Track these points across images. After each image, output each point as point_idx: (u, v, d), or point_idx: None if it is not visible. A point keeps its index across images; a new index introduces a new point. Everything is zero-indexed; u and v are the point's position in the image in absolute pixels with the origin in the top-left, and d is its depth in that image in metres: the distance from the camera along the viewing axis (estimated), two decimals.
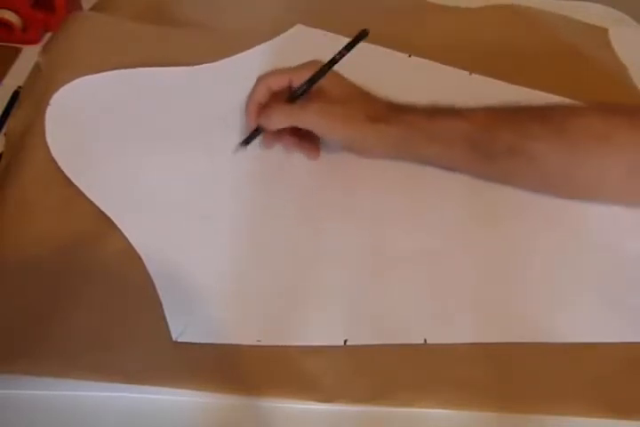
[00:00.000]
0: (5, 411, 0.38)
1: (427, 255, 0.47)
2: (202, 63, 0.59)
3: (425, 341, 0.42)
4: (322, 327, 0.42)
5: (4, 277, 0.43)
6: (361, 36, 0.49)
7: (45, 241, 0.45)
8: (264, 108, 0.51)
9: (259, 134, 0.52)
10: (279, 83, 0.51)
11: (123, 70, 0.57)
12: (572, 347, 0.43)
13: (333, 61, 0.50)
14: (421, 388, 0.40)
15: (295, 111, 0.50)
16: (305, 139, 0.53)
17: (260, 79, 0.51)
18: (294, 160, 0.53)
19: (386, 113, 0.50)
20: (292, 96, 0.50)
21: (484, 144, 0.49)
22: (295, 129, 0.51)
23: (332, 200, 0.50)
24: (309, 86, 0.50)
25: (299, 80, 0.50)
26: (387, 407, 0.39)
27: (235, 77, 0.58)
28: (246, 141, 0.52)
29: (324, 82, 0.50)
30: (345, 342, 0.42)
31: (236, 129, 0.54)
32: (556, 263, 0.48)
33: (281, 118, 0.50)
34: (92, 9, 0.67)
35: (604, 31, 0.71)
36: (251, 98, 0.52)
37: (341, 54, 0.49)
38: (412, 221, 0.49)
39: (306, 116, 0.50)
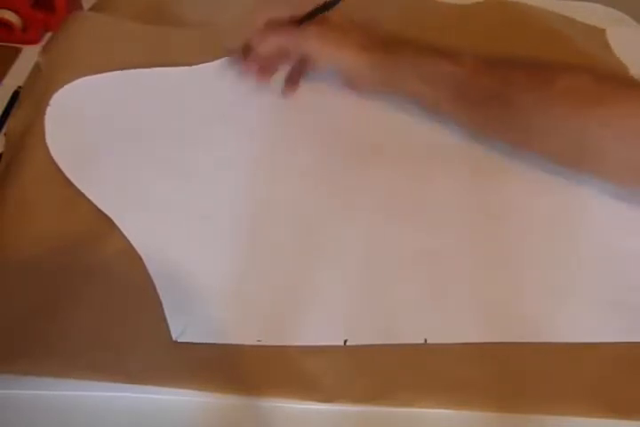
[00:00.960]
0: (5, 411, 0.38)
1: (427, 255, 0.47)
2: (202, 63, 0.59)
3: (425, 341, 0.42)
4: (322, 327, 0.42)
5: (4, 277, 0.43)
6: None
7: (45, 241, 0.45)
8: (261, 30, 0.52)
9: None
10: (279, 15, 0.52)
11: (123, 71, 0.57)
12: (572, 347, 0.43)
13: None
14: (421, 388, 0.40)
15: (292, 32, 0.51)
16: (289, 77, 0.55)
17: (260, 10, 0.53)
18: (294, 160, 0.53)
19: (380, 44, 0.51)
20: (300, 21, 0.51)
21: (468, 89, 0.49)
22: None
23: (332, 200, 0.50)
24: (311, 17, 0.51)
25: (303, 10, 0.51)
26: (387, 407, 0.39)
27: (235, 76, 0.58)
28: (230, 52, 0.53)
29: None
30: (345, 342, 0.42)
31: (236, 129, 0.54)
32: (556, 263, 0.48)
33: (278, 37, 0.51)
34: (91, 9, 0.66)
35: (602, 31, 0.71)
36: (255, 28, 0.52)
37: None
38: (413, 222, 0.49)
39: (303, 38, 0.51)
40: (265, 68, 0.54)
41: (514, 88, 0.48)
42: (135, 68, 0.58)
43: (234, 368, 0.40)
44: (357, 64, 0.51)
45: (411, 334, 0.42)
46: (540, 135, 0.48)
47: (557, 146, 0.48)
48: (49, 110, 0.53)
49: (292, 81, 0.55)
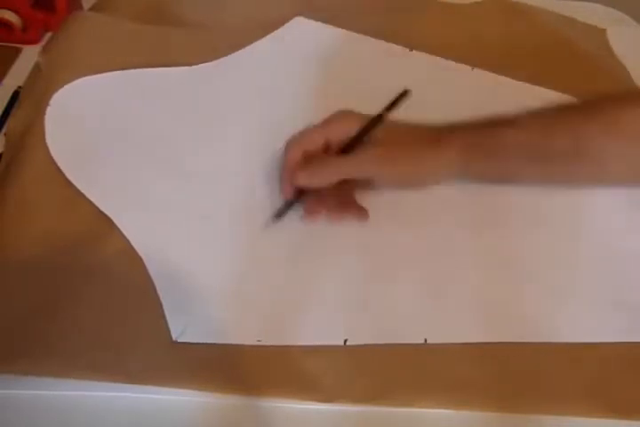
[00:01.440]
0: (5, 411, 0.38)
1: (427, 255, 0.47)
2: (202, 63, 0.59)
3: (425, 341, 0.42)
4: (322, 327, 0.42)
5: (4, 277, 0.43)
6: (403, 96, 0.49)
7: (45, 241, 0.45)
8: (302, 167, 0.47)
9: (292, 205, 0.47)
10: (315, 142, 0.47)
11: (123, 71, 0.57)
12: (572, 347, 0.43)
13: (379, 119, 0.48)
14: (421, 388, 0.40)
15: (348, 161, 0.47)
16: (345, 203, 0.49)
17: (292, 143, 0.48)
18: None
19: (438, 136, 0.49)
20: (344, 150, 0.47)
21: (542, 151, 0.48)
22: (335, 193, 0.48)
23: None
24: (358, 139, 0.47)
25: (336, 136, 0.47)
26: (387, 407, 0.40)
27: (235, 76, 0.58)
28: (280, 214, 0.47)
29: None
30: (345, 341, 0.42)
31: (236, 129, 0.54)
32: (556, 263, 0.48)
33: (332, 170, 0.46)
34: (91, 9, 0.66)
35: (602, 31, 0.71)
36: (286, 165, 0.47)
37: (385, 111, 0.48)
38: (413, 221, 0.49)
39: (363, 163, 0.47)
40: (329, 201, 0.48)
41: (585, 138, 0.47)
42: (135, 68, 0.58)
43: (234, 368, 0.40)
44: (425, 163, 0.48)
45: (411, 334, 0.42)
46: (624, 173, 0.49)
47: (630, 171, 0.49)
48: (49, 110, 0.53)
49: (353, 204, 0.50)
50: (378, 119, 0.48)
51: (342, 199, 0.49)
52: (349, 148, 0.47)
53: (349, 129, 0.48)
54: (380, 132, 0.48)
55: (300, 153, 0.47)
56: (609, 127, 0.47)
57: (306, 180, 0.46)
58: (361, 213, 0.48)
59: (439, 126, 0.49)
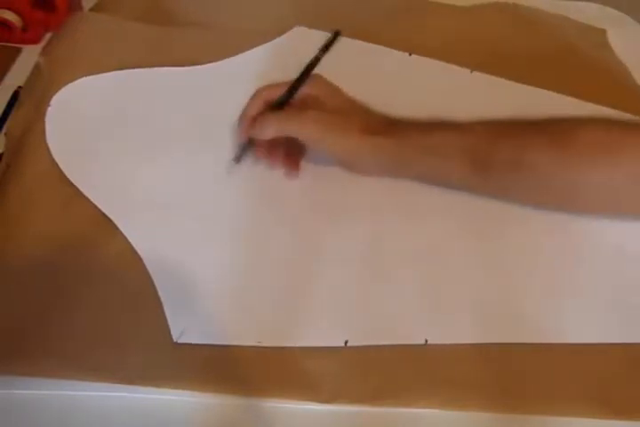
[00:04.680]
0: (5, 411, 0.38)
1: (427, 255, 0.47)
2: (202, 63, 0.59)
3: (426, 341, 0.42)
4: (322, 328, 0.42)
5: (5, 277, 0.43)
6: (335, 37, 0.50)
7: (46, 241, 0.45)
8: (256, 118, 0.50)
9: (249, 149, 0.50)
10: (274, 94, 0.50)
11: (123, 71, 0.57)
12: (572, 347, 0.43)
13: (311, 65, 0.50)
14: (422, 388, 0.40)
15: (290, 118, 0.49)
16: (289, 156, 0.52)
17: (257, 92, 0.50)
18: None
19: (382, 127, 0.49)
20: (276, 103, 0.49)
21: (482, 157, 0.47)
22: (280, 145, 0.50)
23: (331, 200, 0.50)
24: (291, 93, 0.49)
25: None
26: (387, 408, 0.39)
27: (235, 78, 0.58)
28: (238, 158, 0.50)
29: (320, 92, 0.50)
30: (345, 342, 0.42)
31: (236, 129, 0.54)
32: (557, 264, 0.48)
33: (274, 126, 0.48)
34: (92, 9, 0.66)
35: (602, 32, 0.71)
36: (244, 111, 0.50)
37: (317, 58, 0.50)
38: (413, 221, 0.49)
39: (300, 124, 0.48)
40: (275, 151, 0.51)
41: (531, 151, 0.46)
42: (136, 68, 0.58)
43: (234, 369, 0.40)
44: (360, 149, 0.49)
45: (411, 335, 0.43)
46: (564, 193, 0.47)
47: (580, 200, 0.48)
48: (49, 110, 0.53)
49: (293, 163, 0.52)
50: (311, 66, 0.50)
51: (289, 152, 0.51)
52: (280, 101, 0.49)
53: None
54: (330, 99, 0.50)
55: (261, 102, 0.50)
56: (558, 144, 0.46)
57: (255, 132, 0.49)
58: (291, 171, 0.51)
59: (394, 118, 0.50)
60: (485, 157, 0.47)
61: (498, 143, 0.47)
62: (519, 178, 0.47)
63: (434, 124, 0.49)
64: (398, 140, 0.48)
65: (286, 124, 0.49)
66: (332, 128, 0.48)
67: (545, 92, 0.61)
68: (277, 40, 0.64)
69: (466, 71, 0.63)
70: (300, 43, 0.63)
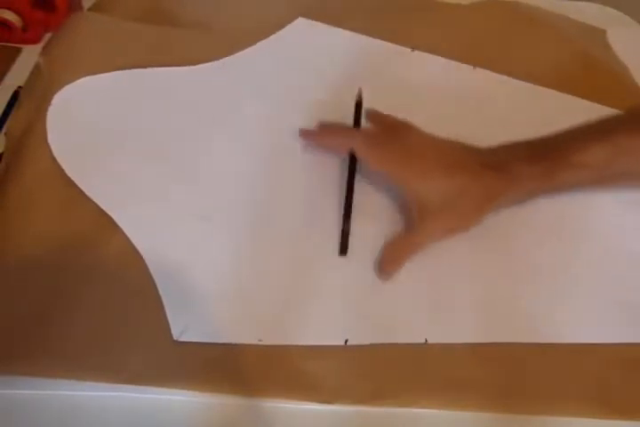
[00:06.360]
0: (5, 411, 0.38)
1: (427, 255, 0.47)
2: (202, 63, 0.59)
3: (426, 341, 0.42)
4: (323, 327, 0.42)
5: (5, 277, 0.43)
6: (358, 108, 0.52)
7: (46, 241, 0.45)
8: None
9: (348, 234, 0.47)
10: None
11: (123, 71, 0.57)
12: (572, 347, 0.43)
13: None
14: (422, 388, 0.40)
15: (347, 134, 0.50)
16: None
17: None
18: (295, 159, 0.53)
19: (499, 162, 0.46)
20: None
21: (605, 180, 0.48)
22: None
23: (331, 200, 0.50)
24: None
25: None
26: (387, 408, 0.40)
27: (236, 76, 0.58)
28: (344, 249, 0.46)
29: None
30: (346, 341, 0.42)
31: (236, 129, 0.54)
32: (557, 264, 0.48)
33: (331, 138, 0.51)
34: (91, 9, 0.66)
35: (602, 32, 0.71)
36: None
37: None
38: None
39: (353, 142, 0.49)
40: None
41: None
42: (135, 68, 0.58)
43: (234, 368, 0.40)
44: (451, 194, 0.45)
45: (411, 334, 0.43)
46: None
47: None
48: (50, 110, 0.53)
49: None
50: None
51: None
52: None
53: None
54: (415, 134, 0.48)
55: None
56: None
57: (319, 137, 0.51)
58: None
59: (480, 148, 0.48)
60: (607, 179, 0.49)
61: (616, 165, 0.47)
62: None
63: (538, 148, 0.47)
64: (526, 180, 0.46)
65: (340, 141, 0.50)
66: (411, 168, 0.47)
67: (546, 90, 0.61)
68: (279, 33, 0.63)
69: (468, 67, 0.63)
70: (302, 35, 0.63)
